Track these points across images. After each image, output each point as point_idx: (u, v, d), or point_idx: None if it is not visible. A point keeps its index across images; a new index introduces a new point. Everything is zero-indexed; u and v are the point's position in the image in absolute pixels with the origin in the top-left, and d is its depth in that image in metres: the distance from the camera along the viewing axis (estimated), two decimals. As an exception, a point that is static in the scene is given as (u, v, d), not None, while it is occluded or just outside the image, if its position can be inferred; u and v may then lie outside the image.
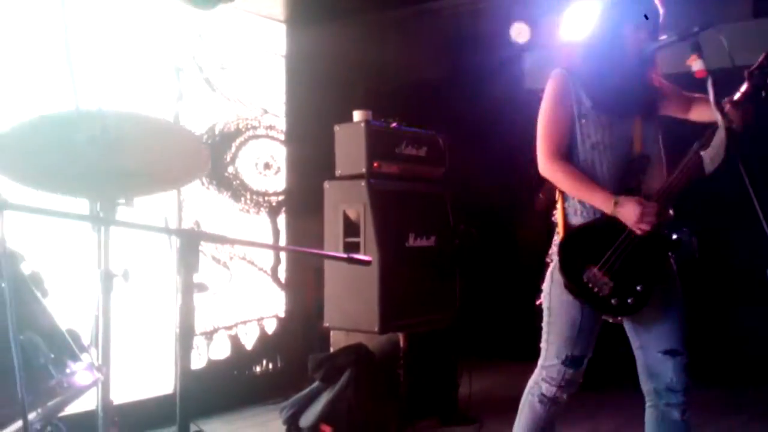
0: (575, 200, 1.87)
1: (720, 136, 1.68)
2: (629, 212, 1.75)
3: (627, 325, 1.92)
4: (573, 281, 1.81)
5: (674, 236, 1.82)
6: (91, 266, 1.55)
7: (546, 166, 1.84)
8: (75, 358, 1.43)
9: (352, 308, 3.33)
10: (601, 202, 1.79)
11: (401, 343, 3.22)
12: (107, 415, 1.69)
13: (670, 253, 1.88)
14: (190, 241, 1.27)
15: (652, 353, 1.87)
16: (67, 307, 1.59)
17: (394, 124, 3.48)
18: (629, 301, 1.80)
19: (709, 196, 3.00)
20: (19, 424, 1.27)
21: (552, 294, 1.88)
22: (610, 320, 1.87)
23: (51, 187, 1.37)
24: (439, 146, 3.66)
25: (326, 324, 3.44)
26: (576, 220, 1.87)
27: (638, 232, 1.77)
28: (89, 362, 1.47)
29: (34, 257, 1.48)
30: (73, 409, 1.53)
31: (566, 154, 1.85)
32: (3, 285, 1.24)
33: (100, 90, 2.91)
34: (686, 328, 1.88)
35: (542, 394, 1.90)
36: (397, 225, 3.37)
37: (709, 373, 3.34)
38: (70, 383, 1.39)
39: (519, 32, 4.20)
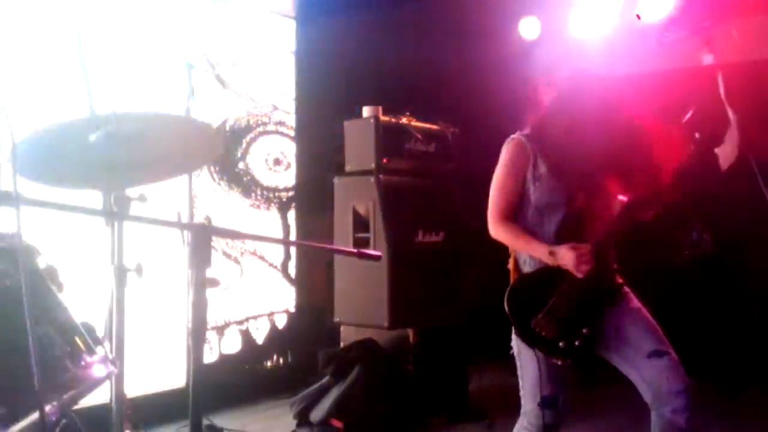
0: (522, 255, 2.00)
1: (733, 132, 1.67)
2: (564, 257, 1.84)
3: (612, 359, 1.94)
4: (521, 329, 1.90)
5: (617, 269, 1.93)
6: (105, 261, 1.57)
7: (492, 228, 1.99)
8: (90, 351, 1.45)
9: (361, 304, 3.34)
10: (541, 254, 1.90)
11: (411, 339, 3.23)
12: (120, 408, 1.71)
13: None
14: (203, 236, 1.28)
15: (641, 363, 1.87)
16: (81, 301, 1.61)
17: (403, 120, 3.48)
18: (576, 343, 1.86)
19: (725, 194, 2.97)
20: (35, 415, 1.29)
21: (516, 340, 1.97)
22: (559, 363, 1.90)
23: (68, 184, 1.39)
24: (448, 142, 3.66)
25: (336, 319, 3.46)
26: (526, 269, 1.98)
27: (579, 275, 1.84)
28: (104, 355, 1.49)
29: (50, 252, 1.51)
30: (86, 402, 1.56)
31: (512, 215, 1.98)
32: (19, 279, 1.26)
33: (113, 88, 2.94)
34: (659, 328, 1.90)
35: None
36: (407, 220, 3.38)
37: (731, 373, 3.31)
38: (86, 376, 1.41)
39: (528, 27, 4.18)
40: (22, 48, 2.87)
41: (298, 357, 4.00)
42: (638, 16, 3.30)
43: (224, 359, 3.68)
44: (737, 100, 1.70)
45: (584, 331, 1.86)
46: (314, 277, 4.03)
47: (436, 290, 3.40)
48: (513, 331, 1.95)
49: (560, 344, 1.85)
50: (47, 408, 1.32)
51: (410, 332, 3.22)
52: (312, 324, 4.00)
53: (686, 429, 1.81)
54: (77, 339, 1.43)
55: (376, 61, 4.15)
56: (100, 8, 3.10)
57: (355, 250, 1.47)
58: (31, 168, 1.40)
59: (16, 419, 1.27)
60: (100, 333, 1.55)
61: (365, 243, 3.27)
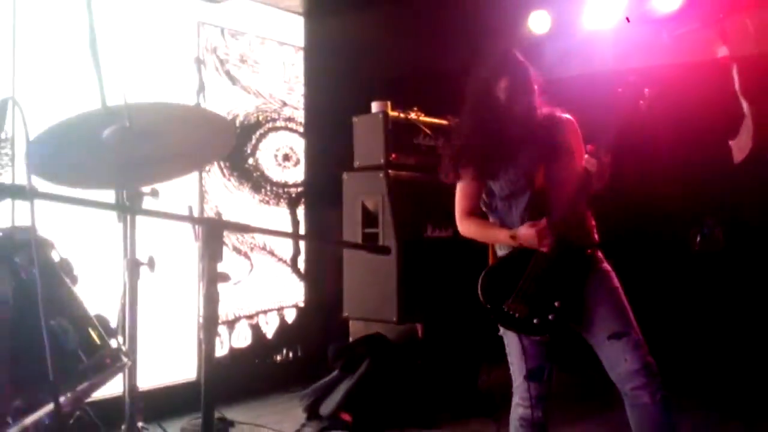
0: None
1: (747, 124, 1.65)
2: (525, 236, 1.92)
3: (584, 335, 1.97)
4: (496, 313, 1.96)
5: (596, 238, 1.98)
6: (118, 255, 1.59)
7: (459, 226, 2.10)
8: (104, 343, 1.47)
9: (370, 298, 3.35)
10: (504, 239, 1.99)
11: (420, 334, 3.23)
12: (133, 400, 1.73)
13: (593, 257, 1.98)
14: (214, 230, 1.29)
15: (603, 345, 1.90)
16: (94, 294, 1.63)
17: (412, 115, 3.48)
18: (550, 317, 1.90)
19: (738, 189, 2.94)
20: (50, 407, 1.31)
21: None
22: (538, 338, 1.95)
23: (83, 183, 1.41)
24: (457, 137, 3.65)
25: (345, 314, 3.47)
26: (501, 253, 2.07)
27: (544, 249, 1.90)
28: (117, 347, 1.51)
29: (63, 245, 1.53)
30: (99, 395, 1.58)
31: (476, 211, 2.09)
32: (34, 272, 1.28)
33: (124, 84, 2.95)
34: (627, 311, 1.92)
35: (521, 418, 2.01)
36: (416, 216, 3.38)
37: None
38: (100, 367, 1.43)
39: (538, 21, 4.15)
40: (35, 43, 2.89)
41: (307, 351, 4.02)
42: (627, 20, 3.27)
43: (234, 353, 3.71)
44: (752, 93, 1.68)
45: (555, 304, 1.90)
46: (323, 272, 4.05)
47: (445, 285, 3.40)
48: (490, 315, 1.99)
49: (534, 321, 1.91)
50: (61, 399, 1.34)
51: (419, 327, 3.23)
52: (321, 319, 4.02)
53: (651, 404, 1.83)
54: (91, 331, 1.45)
55: (385, 56, 4.14)
56: (109, 4, 3.12)
57: (365, 245, 1.47)
58: (44, 166, 1.41)
59: (31, 410, 1.29)
60: (113, 325, 1.56)
61: (374, 238, 3.28)
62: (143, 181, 1.53)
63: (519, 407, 2.01)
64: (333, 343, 3.37)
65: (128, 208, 1.49)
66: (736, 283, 3.85)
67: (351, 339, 3.40)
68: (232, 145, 1.56)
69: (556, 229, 1.89)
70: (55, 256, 1.46)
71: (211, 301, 1.27)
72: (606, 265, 2.01)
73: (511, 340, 2.00)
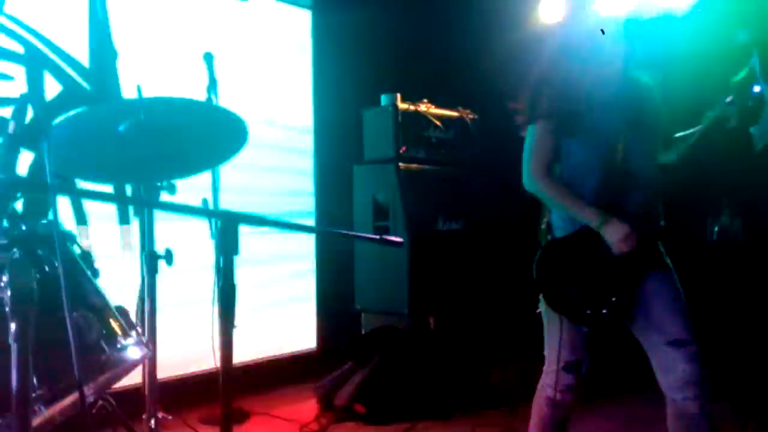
0: (557, 215, 1.92)
1: None
2: (614, 232, 1.79)
3: (634, 331, 1.91)
4: (549, 293, 1.87)
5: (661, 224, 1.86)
6: (136, 248, 1.62)
7: (533, 181, 1.89)
8: (125, 334, 1.51)
9: (382, 291, 3.38)
10: (591, 217, 1.82)
11: (432, 326, 3.25)
12: (153, 390, 1.77)
13: (662, 246, 1.88)
14: (230, 223, 1.31)
15: (659, 348, 1.84)
16: (113, 287, 1.67)
17: (422, 107, 3.48)
18: (604, 311, 1.83)
19: (759, 176, 2.89)
20: (74, 396, 1.35)
21: (542, 302, 1.94)
22: (585, 329, 1.87)
23: (101, 177, 1.44)
24: (468, 128, 3.65)
25: (357, 306, 3.50)
26: (558, 233, 1.92)
27: (616, 251, 1.81)
28: (138, 338, 1.55)
29: (84, 238, 1.56)
30: (119, 385, 1.61)
31: (551, 170, 1.90)
32: (58, 265, 1.31)
33: (136, 79, 2.99)
34: (689, 318, 1.86)
35: (547, 398, 1.96)
36: (427, 208, 3.40)
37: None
38: (121, 358, 1.46)
39: (549, 10, 4.12)
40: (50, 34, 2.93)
41: (321, 343, 4.06)
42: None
43: (251, 345, 3.74)
44: None
45: (613, 299, 1.81)
46: (335, 264, 4.07)
47: (457, 277, 3.42)
48: (540, 294, 1.90)
49: (587, 311, 1.82)
50: (85, 389, 1.37)
51: (431, 320, 3.25)
52: (334, 311, 4.04)
53: (699, 415, 1.80)
54: (113, 323, 1.49)
55: (395, 47, 4.14)
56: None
57: (377, 237, 1.49)
58: (65, 158, 1.45)
59: (56, 399, 1.33)
60: (132, 317, 1.60)
61: (385, 231, 3.31)
62: (158, 176, 1.56)
63: (548, 388, 1.94)
64: (345, 335, 3.40)
65: (146, 202, 1.52)
66: (756, 275, 3.77)
67: (363, 331, 3.43)
68: (246, 145, 1.58)
69: (640, 227, 1.77)
70: (77, 249, 1.50)
71: (227, 292, 1.30)
72: (668, 260, 1.90)
73: (552, 326, 1.91)
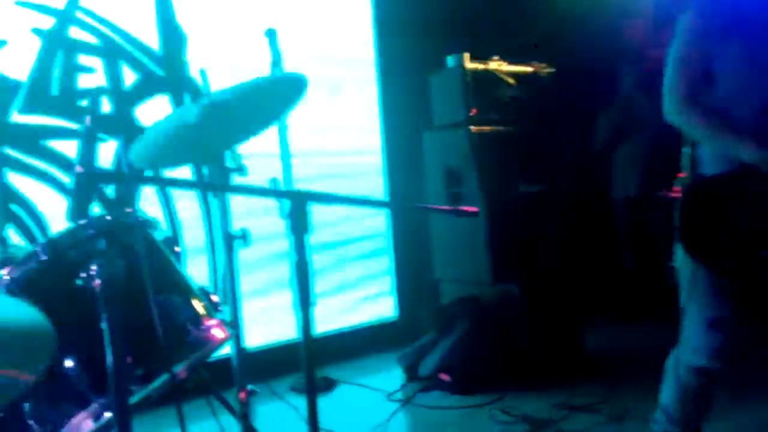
0: (706, 150, 1.66)
1: None
2: None
3: None
4: (690, 238, 1.62)
5: None
6: (214, 230, 1.67)
7: (676, 110, 1.63)
8: (209, 314, 1.56)
9: (461, 259, 3.31)
10: (748, 151, 1.56)
11: (517, 294, 3.15)
12: (242, 363, 1.84)
13: None
14: (301, 202, 1.31)
15: None
16: (194, 268, 1.73)
17: (492, 65, 3.32)
18: (749, 265, 1.59)
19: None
20: (166, 376, 1.42)
21: (680, 254, 1.69)
22: (726, 282, 1.64)
23: (167, 163, 1.48)
24: (543, 84, 3.45)
25: (437, 276, 3.46)
26: (706, 170, 1.67)
27: None
28: (222, 318, 1.60)
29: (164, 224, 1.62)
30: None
31: (697, 97, 1.62)
32: (142, 251, 1.37)
33: (201, 58, 3.04)
34: None
35: (688, 366, 1.73)
36: (502, 172, 3.26)
37: None
38: (208, 338, 1.52)
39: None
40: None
41: (402, 313, 4.08)
42: None
43: (335, 317, 3.82)
44: None
45: (762, 254, 1.57)
46: (411, 235, 4.04)
47: (541, 241, 3.28)
48: (678, 240, 1.65)
49: (730, 263, 1.59)
50: (178, 369, 1.44)
51: (515, 287, 3.15)
52: (413, 281, 4.03)
53: None
54: (197, 304, 1.54)
55: (462, 2, 3.94)
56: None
57: (452, 208, 1.43)
58: (144, 156, 1.50)
59: (150, 379, 1.41)
60: (215, 298, 1.65)
61: (458, 198, 3.22)
62: (223, 148, 1.58)
63: (688, 353, 1.71)
64: (427, 305, 3.38)
65: (217, 186, 1.54)
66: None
67: (444, 301, 3.40)
68: (305, 95, 1.55)
69: None
70: (160, 235, 1.55)
71: (302, 267, 1.31)
72: None
73: (694, 276, 1.66)
